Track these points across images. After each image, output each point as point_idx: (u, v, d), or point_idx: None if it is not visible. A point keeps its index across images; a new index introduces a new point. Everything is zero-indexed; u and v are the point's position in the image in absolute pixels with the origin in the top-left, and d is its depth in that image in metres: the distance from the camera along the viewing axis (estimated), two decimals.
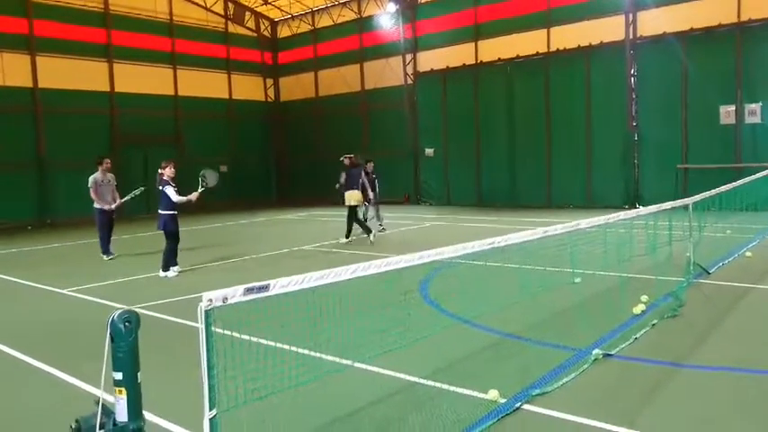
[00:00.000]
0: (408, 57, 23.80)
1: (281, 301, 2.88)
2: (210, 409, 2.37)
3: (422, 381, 4.68)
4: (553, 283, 8.13)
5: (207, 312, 2.35)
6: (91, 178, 12.05)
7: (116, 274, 10.20)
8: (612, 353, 5.15)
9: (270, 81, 29.27)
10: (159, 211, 10.05)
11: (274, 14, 28.44)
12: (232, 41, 27.49)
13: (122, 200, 12.19)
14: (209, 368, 2.36)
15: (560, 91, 20.02)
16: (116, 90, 23.29)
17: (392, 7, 23.08)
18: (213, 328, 2.37)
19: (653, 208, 6.90)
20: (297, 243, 13.28)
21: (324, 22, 27.02)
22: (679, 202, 7.90)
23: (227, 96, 27.33)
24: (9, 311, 8.06)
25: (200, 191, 10.26)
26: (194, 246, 13.13)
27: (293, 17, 28.02)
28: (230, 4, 27.10)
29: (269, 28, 29.06)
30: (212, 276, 9.98)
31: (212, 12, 26.60)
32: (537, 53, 20.45)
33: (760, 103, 16.17)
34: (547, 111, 20.35)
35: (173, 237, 10.12)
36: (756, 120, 16.25)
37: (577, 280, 8.10)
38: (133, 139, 23.08)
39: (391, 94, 24.67)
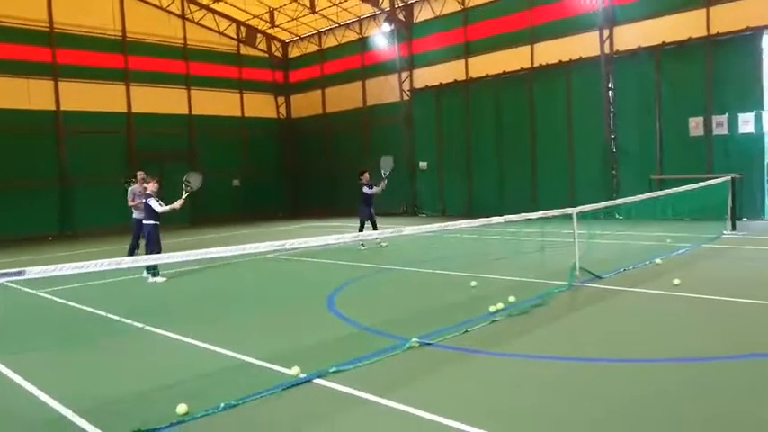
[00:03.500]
0: (405, 74, 24.81)
1: None
2: None
3: (251, 360, 5.64)
4: (451, 287, 8.98)
5: None
6: (129, 190, 13.50)
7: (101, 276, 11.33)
8: (432, 342, 5.98)
9: (281, 99, 30.75)
10: (143, 222, 11.26)
11: (284, 36, 29.91)
12: (244, 62, 29.09)
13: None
14: None
15: (544, 104, 20.67)
16: (133, 111, 25.08)
17: (387, 27, 24.16)
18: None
19: (514, 217, 7.66)
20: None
21: (329, 42, 28.35)
22: (560, 212, 8.64)
23: (239, 114, 28.90)
24: None
25: (184, 197, 11.20)
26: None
27: (302, 38, 29.44)
28: (242, 28, 28.69)
29: (280, 49, 30.57)
30: (195, 278, 11.10)
31: (225, 35, 28.25)
32: (522, 69, 21.16)
33: (726, 115, 16.48)
34: (531, 124, 21.00)
35: (155, 245, 11.13)
36: (724, 131, 16.55)
37: (474, 284, 8.91)
38: (149, 156, 24.63)
39: (390, 109, 25.72)
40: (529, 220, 8.81)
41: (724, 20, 16.73)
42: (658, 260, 10.14)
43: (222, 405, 4.49)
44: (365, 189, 14.47)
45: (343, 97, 27.95)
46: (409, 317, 7.20)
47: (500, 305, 7.27)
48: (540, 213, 8.19)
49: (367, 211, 14.50)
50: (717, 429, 3.86)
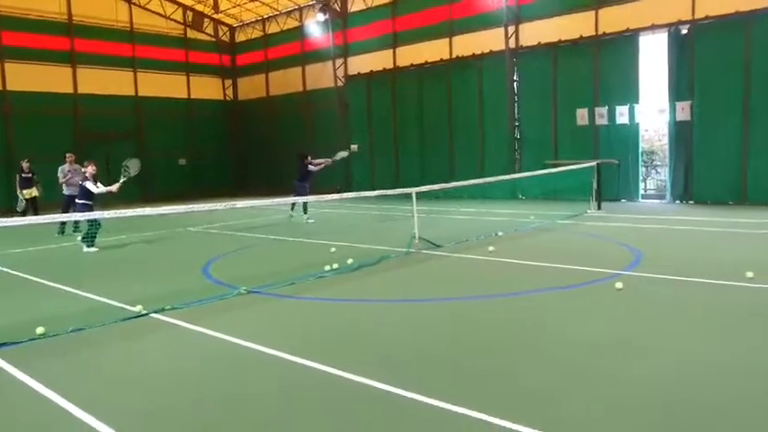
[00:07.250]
0: (339, 61, 26.37)
1: None
2: None
3: (110, 302, 7.35)
4: (315, 253, 10.76)
5: None
6: (59, 169, 14.96)
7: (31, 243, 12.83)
8: (258, 290, 7.74)
9: (228, 82, 32.04)
10: (76, 201, 12.55)
11: (231, 21, 31.11)
12: (191, 46, 30.24)
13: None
14: None
15: (459, 94, 22.47)
16: (79, 92, 26.20)
17: (321, 17, 25.63)
18: None
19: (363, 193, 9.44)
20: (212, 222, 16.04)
21: (273, 28, 29.69)
22: (401, 191, 10.45)
23: (185, 96, 30.14)
24: None
25: (122, 181, 12.05)
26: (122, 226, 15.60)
27: (247, 24, 30.71)
28: (188, 12, 29.80)
29: (228, 33, 31.78)
30: (124, 250, 12.67)
31: (172, 19, 29.35)
32: (441, 60, 22.89)
33: (606, 107, 18.48)
34: (449, 111, 22.82)
35: (92, 221, 12.00)
36: (604, 122, 18.56)
37: (333, 250, 10.70)
38: (95, 137, 25.89)
39: (327, 94, 27.27)
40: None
41: (609, 21, 18.64)
42: (500, 233, 12.05)
43: (71, 328, 6.21)
44: (311, 167, 16.31)
45: (286, 81, 29.40)
46: (260, 274, 8.89)
47: (335, 265, 9.05)
48: (377, 192, 9.96)
49: (306, 190, 16.00)
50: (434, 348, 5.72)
